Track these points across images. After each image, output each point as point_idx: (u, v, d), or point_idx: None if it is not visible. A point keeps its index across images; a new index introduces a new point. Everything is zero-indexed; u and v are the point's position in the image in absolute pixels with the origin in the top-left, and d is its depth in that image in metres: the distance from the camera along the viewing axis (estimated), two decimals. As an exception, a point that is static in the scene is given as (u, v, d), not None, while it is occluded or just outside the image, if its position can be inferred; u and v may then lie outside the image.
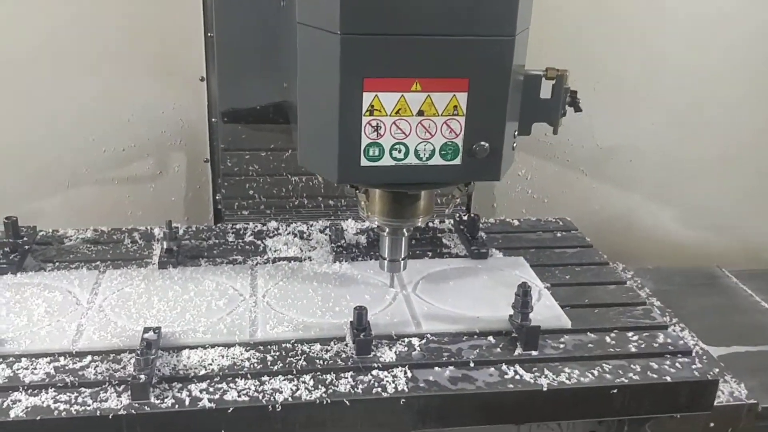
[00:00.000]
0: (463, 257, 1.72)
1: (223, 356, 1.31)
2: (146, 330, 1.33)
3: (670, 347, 1.40)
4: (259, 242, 1.76)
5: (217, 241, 1.76)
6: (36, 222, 1.74)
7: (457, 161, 1.31)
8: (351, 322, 1.37)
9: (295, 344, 1.36)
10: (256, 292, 1.52)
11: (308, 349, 1.35)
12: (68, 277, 1.54)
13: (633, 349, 1.39)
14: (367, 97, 1.24)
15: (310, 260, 1.67)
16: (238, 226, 1.84)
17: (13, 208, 1.68)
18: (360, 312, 1.35)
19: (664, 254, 2.21)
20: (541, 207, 2.08)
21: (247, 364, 1.30)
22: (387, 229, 1.45)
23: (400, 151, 1.28)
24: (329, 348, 1.36)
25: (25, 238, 1.64)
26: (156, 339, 1.31)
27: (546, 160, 2.10)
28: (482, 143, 1.29)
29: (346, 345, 1.36)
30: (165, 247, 1.63)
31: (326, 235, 1.79)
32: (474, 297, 1.53)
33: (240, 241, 1.77)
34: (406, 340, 1.39)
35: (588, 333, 1.44)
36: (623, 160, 2.13)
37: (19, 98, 1.84)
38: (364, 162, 1.28)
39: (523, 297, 1.39)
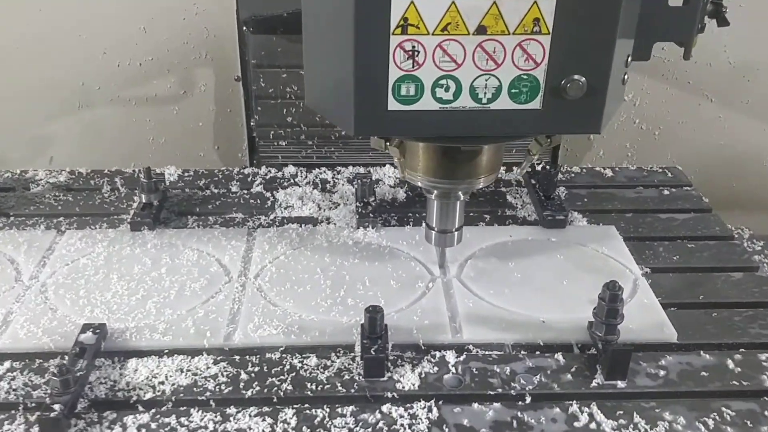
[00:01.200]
0: (532, 224, 1.29)
1: (182, 370, 0.96)
2: (85, 328, 0.99)
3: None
4: (268, 194, 1.38)
5: (215, 191, 1.39)
6: (49, 147, 1.42)
7: (536, 104, 0.88)
8: (362, 325, 0.99)
9: (284, 355, 0.99)
10: (248, 270, 1.15)
11: (300, 364, 0.97)
12: (15, 240, 1.21)
13: (769, 383, 0.96)
14: (398, 5, 0.82)
15: (328, 223, 1.28)
16: (246, 171, 1.46)
17: (20, 131, 1.37)
18: (373, 316, 0.97)
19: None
20: (650, 142, 1.59)
21: (211, 384, 0.94)
22: (435, 192, 1.05)
23: (448, 89, 0.86)
24: (330, 362, 0.98)
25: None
26: (94, 343, 0.97)
27: (661, 81, 1.59)
28: (576, 77, 0.85)
29: (354, 359, 0.99)
30: (142, 201, 1.28)
31: (354, 186, 1.38)
32: (542, 287, 1.11)
33: (244, 191, 1.39)
34: (439, 353, 1.00)
35: (701, 352, 1.01)
36: (763, 82, 1.59)
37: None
38: (393, 105, 0.86)
39: (610, 303, 0.97)
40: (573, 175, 1.46)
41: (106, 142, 1.53)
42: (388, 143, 0.99)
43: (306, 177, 1.43)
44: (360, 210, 1.28)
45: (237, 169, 1.47)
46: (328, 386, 0.94)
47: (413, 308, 1.07)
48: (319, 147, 1.51)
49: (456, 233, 1.09)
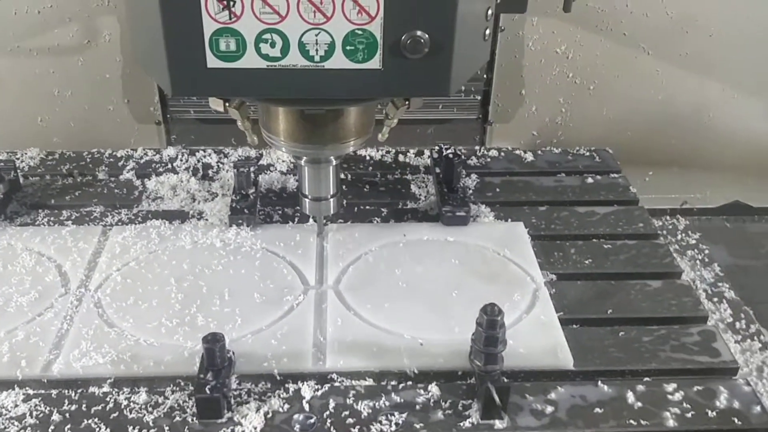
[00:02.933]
0: (432, 220, 1.14)
1: (-18, 410, 0.81)
2: None
3: (744, 415, 0.83)
4: (138, 182, 1.22)
5: (78, 179, 1.22)
6: None
7: (375, 63, 0.75)
8: (202, 356, 0.84)
9: (112, 389, 0.85)
10: (90, 280, 0.99)
11: (126, 401, 0.82)
12: None
13: (671, 421, 0.82)
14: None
15: (198, 218, 1.13)
16: (119, 154, 1.29)
17: None
18: (211, 347, 0.82)
19: (750, 166, 1.55)
20: (584, 96, 1.42)
21: (14, 428, 0.79)
22: (304, 158, 0.95)
23: (274, 45, 0.73)
24: (162, 399, 0.83)
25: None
26: None
27: (595, 32, 1.42)
28: (418, 33, 0.73)
29: (191, 395, 0.84)
30: (-14, 193, 1.11)
31: (234, 170, 1.22)
32: (428, 300, 0.97)
33: (111, 179, 1.23)
34: (295, 386, 0.85)
35: (599, 382, 0.87)
36: (701, 35, 1.43)
37: None
38: (213, 62, 0.74)
39: (488, 329, 0.82)
40: (489, 159, 1.30)
41: (7, 95, 1.37)
42: (227, 104, 0.87)
43: (187, 161, 1.27)
44: (234, 204, 1.12)
45: (109, 151, 1.30)
46: (153, 430, 0.80)
47: (275, 328, 0.92)
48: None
49: (332, 200, 0.99)
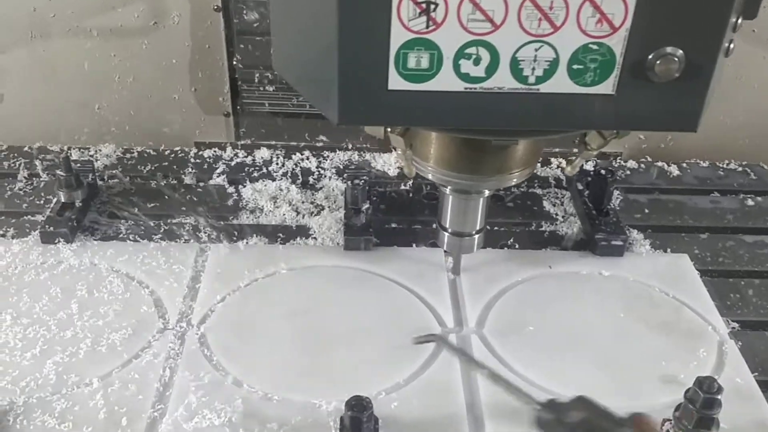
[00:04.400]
0: (577, 246, 0.97)
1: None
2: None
3: None
4: (231, 189, 1.06)
5: (162, 182, 1.07)
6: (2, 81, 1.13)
7: (608, 87, 0.58)
8: (341, 423, 0.69)
9: (227, 459, 0.70)
10: (191, 312, 0.84)
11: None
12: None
13: None
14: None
15: (306, 237, 0.97)
16: (206, 154, 1.14)
17: None
18: (357, 416, 0.66)
19: None
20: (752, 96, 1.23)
21: None
22: (450, 187, 0.78)
23: (478, 62, 0.56)
24: (292, 473, 0.69)
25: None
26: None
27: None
28: (670, 50, 0.56)
29: (327, 470, 0.69)
30: (61, 199, 0.96)
31: (346, 182, 1.06)
32: (593, 353, 0.81)
33: (200, 183, 1.07)
34: (449, 462, 0.70)
35: (823, 469, 0.71)
36: None
37: None
38: (396, 82, 0.57)
39: (703, 408, 0.66)
40: (628, 172, 1.13)
41: (64, 78, 1.21)
42: (389, 130, 0.70)
43: (283, 165, 1.11)
44: (347, 222, 0.96)
45: (194, 151, 1.14)
46: None
47: (416, 384, 0.76)
48: None
49: (477, 237, 0.83)
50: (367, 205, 0.97)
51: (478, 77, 0.56)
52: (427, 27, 0.54)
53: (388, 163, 1.11)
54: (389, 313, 0.85)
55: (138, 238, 0.94)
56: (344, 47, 0.55)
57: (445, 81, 0.57)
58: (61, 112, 1.16)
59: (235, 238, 0.95)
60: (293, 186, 1.06)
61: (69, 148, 1.12)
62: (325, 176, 1.08)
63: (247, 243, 0.94)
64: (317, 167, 1.10)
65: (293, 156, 1.13)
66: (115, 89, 1.19)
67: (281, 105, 1.17)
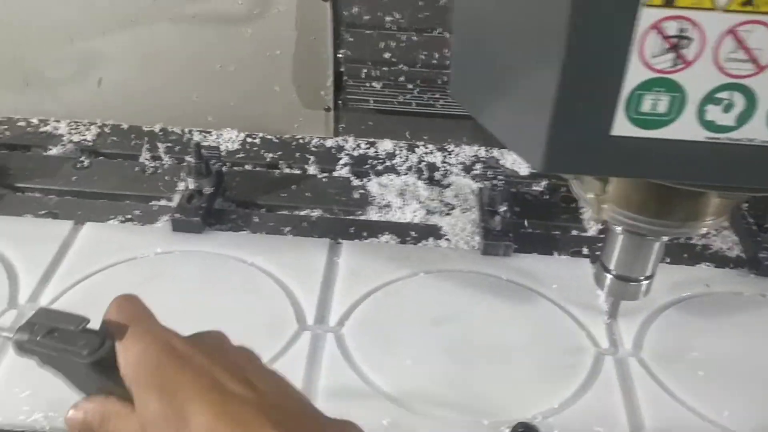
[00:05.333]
0: (735, 265, 0.90)
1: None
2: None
3: None
4: (356, 181, 1.02)
5: (287, 171, 1.04)
6: (99, 66, 1.12)
7: None
8: (501, 446, 0.64)
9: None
10: (327, 313, 0.81)
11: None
12: (15, 234, 0.88)
13: None
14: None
15: (437, 238, 0.92)
16: (328, 143, 1.10)
17: (67, 45, 1.07)
18: (524, 442, 0.62)
19: None
20: None
21: None
22: (620, 228, 0.68)
23: (729, 108, 0.48)
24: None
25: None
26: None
27: None
28: None
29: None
30: (189, 187, 0.94)
31: (475, 181, 1.01)
32: (763, 384, 0.75)
33: (325, 175, 1.04)
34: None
35: None
36: None
37: None
38: (622, 127, 0.49)
39: None
40: None
41: (164, 65, 1.19)
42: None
43: (407, 159, 1.06)
44: (485, 225, 0.91)
45: (316, 139, 1.10)
46: None
47: (574, 409, 0.72)
48: (422, 93, 1.13)
49: (645, 283, 0.72)
50: (504, 208, 0.92)
51: (725, 126, 0.48)
52: (674, 66, 0.46)
53: (518, 161, 1.05)
54: (536, 328, 0.80)
55: (268, 231, 0.92)
56: (565, 83, 0.47)
57: (684, 129, 0.48)
58: (159, 97, 1.13)
59: (365, 235, 0.92)
60: (420, 182, 1.01)
61: (190, 131, 1.10)
62: (452, 172, 1.04)
63: (378, 241, 0.91)
64: (443, 162, 1.06)
65: (416, 149, 1.08)
66: (215, 78, 1.16)
67: (387, 102, 1.13)
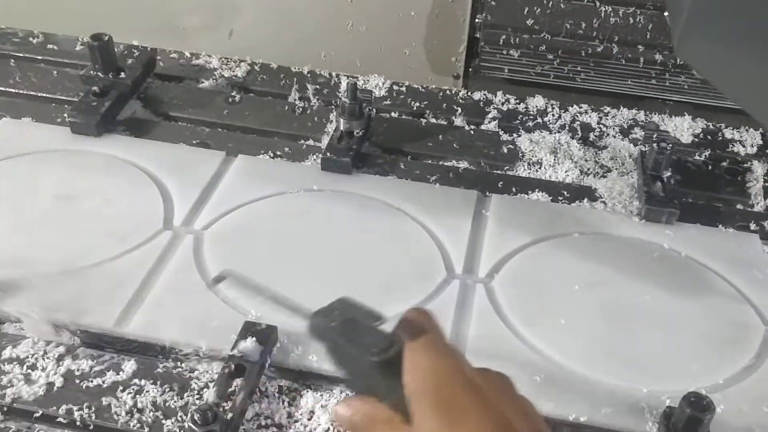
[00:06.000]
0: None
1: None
2: (246, 330, 0.67)
3: None
4: (505, 137, 0.99)
5: (433, 120, 1.02)
6: (231, 18, 1.12)
7: None
8: (668, 415, 0.61)
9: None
10: (477, 265, 0.79)
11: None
12: (174, 161, 0.90)
13: None
14: None
15: (593, 200, 0.88)
16: (476, 97, 1.07)
17: None
18: (695, 415, 0.58)
19: None
20: None
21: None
22: None
23: None
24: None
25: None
26: (258, 359, 0.65)
27: None
28: None
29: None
30: (341, 128, 0.93)
31: (636, 143, 0.96)
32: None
33: (472, 127, 1.01)
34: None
35: None
36: None
37: None
38: None
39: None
40: None
41: (294, 22, 1.19)
42: None
43: (560, 117, 1.02)
44: (647, 190, 0.86)
45: (463, 92, 1.07)
46: None
47: (741, 386, 0.67)
48: (562, 65, 1.08)
49: None
50: (669, 173, 0.86)
51: None
52: None
53: (680, 127, 0.99)
54: (699, 300, 0.75)
55: (414, 178, 0.90)
56: None
57: None
58: (288, 56, 1.12)
59: (514, 190, 0.89)
60: (573, 141, 0.97)
61: (338, 75, 1.09)
62: (608, 134, 0.98)
63: (528, 197, 0.88)
64: (598, 123, 1.01)
65: (569, 108, 1.03)
66: (346, 37, 1.14)
67: (522, 72, 1.08)
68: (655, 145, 0.85)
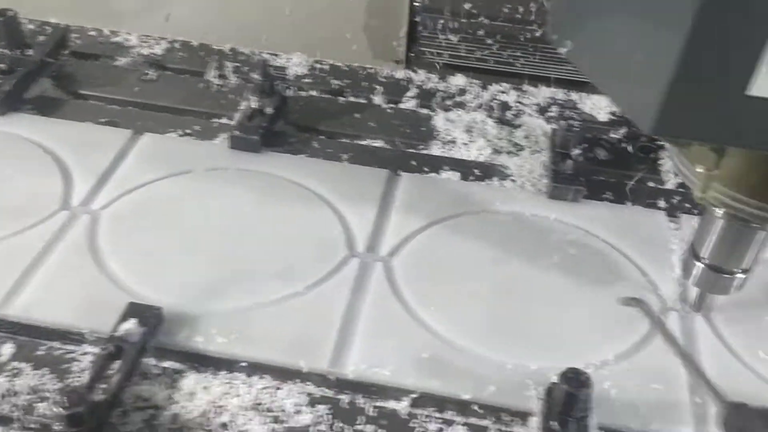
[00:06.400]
0: None
1: (257, 407, 0.63)
2: (130, 312, 0.66)
3: None
4: (424, 113, 0.98)
5: (353, 99, 1.00)
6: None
7: None
8: (550, 391, 0.61)
9: (414, 410, 0.64)
10: (379, 242, 0.78)
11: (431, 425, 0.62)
12: (76, 138, 0.88)
13: None
14: None
15: (502, 178, 0.87)
16: (398, 75, 1.06)
17: None
18: (573, 392, 0.58)
19: None
20: None
21: (297, 446, 0.60)
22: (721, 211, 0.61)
23: None
24: (486, 438, 0.62)
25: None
26: (138, 340, 0.64)
27: None
28: None
29: (524, 443, 0.61)
30: (251, 106, 0.91)
31: (550, 122, 0.95)
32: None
33: (390, 105, 1.00)
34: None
35: None
36: None
37: None
38: (762, 86, 0.42)
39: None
40: None
41: (233, 6, 1.16)
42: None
43: (478, 96, 1.01)
44: (554, 167, 0.85)
45: (386, 70, 1.06)
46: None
47: (630, 363, 0.67)
48: (501, 50, 1.07)
49: (739, 277, 0.65)
50: (578, 151, 0.86)
51: None
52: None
53: (597, 106, 0.98)
54: (599, 279, 0.74)
55: (326, 157, 0.89)
56: (699, 26, 0.40)
57: None
58: (227, 41, 1.09)
59: (426, 169, 0.88)
60: (489, 120, 0.96)
61: (260, 53, 1.07)
62: (525, 113, 0.98)
63: (439, 176, 0.87)
64: (516, 101, 1.00)
65: (490, 87, 1.03)
66: (286, 22, 1.11)
67: (462, 57, 1.06)
68: (563, 122, 0.85)
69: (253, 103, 0.90)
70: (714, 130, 0.45)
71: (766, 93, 0.41)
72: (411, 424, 0.62)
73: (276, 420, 0.61)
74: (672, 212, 0.83)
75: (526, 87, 1.03)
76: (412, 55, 1.09)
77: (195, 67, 1.04)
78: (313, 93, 1.00)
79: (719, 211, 0.61)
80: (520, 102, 1.00)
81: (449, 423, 0.62)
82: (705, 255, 0.64)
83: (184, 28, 1.10)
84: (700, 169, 0.56)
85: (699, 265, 0.65)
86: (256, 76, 0.89)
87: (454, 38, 1.05)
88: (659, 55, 0.43)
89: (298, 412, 0.62)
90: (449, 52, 1.07)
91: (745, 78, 0.41)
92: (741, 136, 0.45)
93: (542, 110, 0.98)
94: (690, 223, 0.79)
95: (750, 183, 0.56)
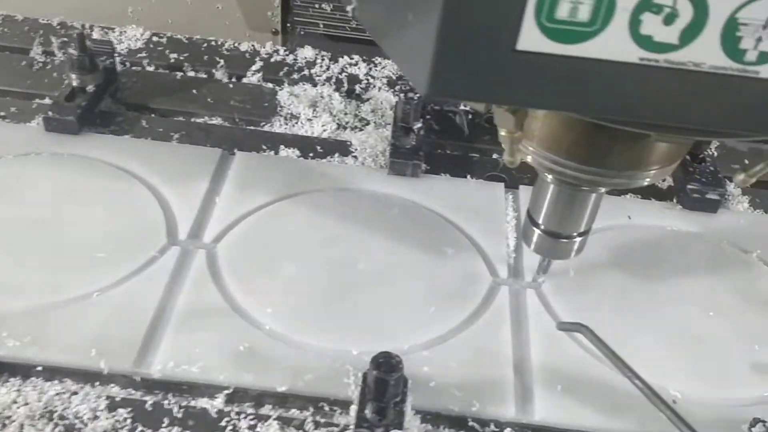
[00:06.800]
0: (664, 198, 0.82)
1: (50, 416, 0.57)
2: None
3: None
4: (268, 88, 0.93)
5: (191, 74, 0.94)
6: None
7: None
8: (365, 377, 0.58)
9: (227, 407, 0.59)
10: (204, 229, 0.73)
11: (242, 424, 0.58)
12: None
13: None
14: None
15: (345, 154, 0.84)
16: (243, 47, 1.00)
17: None
18: (383, 378, 0.55)
19: None
20: None
21: (93, 454, 0.55)
22: (550, 176, 0.58)
23: (671, 20, 0.37)
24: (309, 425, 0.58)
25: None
26: None
27: None
28: None
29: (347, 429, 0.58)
30: (72, 83, 0.84)
31: (394, 93, 0.92)
32: (677, 328, 0.68)
33: (232, 80, 0.94)
34: (488, 438, 0.59)
35: None
36: None
37: None
38: (530, 41, 0.38)
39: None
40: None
41: None
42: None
43: (328, 68, 0.97)
44: (395, 142, 0.82)
45: (229, 42, 1.00)
46: (288, 487, 0.54)
47: (456, 341, 0.64)
48: None
49: (578, 240, 0.63)
50: (419, 125, 0.83)
51: (665, 44, 0.37)
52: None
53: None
54: (434, 254, 0.72)
55: (155, 137, 0.83)
56: None
57: (611, 45, 0.37)
58: (91, 13, 1.01)
59: (265, 148, 0.83)
60: (336, 94, 0.92)
61: (91, 27, 0.99)
62: (375, 86, 0.94)
63: (276, 154, 0.82)
64: (366, 75, 0.96)
65: (340, 59, 0.98)
66: None
67: (337, 27, 1.02)
68: (402, 95, 0.82)
69: (74, 81, 0.83)
70: (487, 89, 0.41)
71: (533, 47, 0.39)
72: (222, 423, 0.58)
73: (70, 428, 0.56)
74: (512, 184, 0.82)
75: (378, 59, 0.99)
76: (289, 26, 1.04)
77: (18, 43, 0.95)
78: (149, 68, 0.94)
79: (548, 176, 0.59)
80: (370, 75, 0.96)
81: (264, 418, 0.58)
82: (541, 221, 0.62)
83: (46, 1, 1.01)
84: (503, 132, 0.54)
85: (537, 232, 0.63)
86: (72, 51, 0.82)
87: (327, 7, 1.01)
88: (425, 11, 0.40)
89: (95, 417, 0.57)
90: (323, 22, 1.02)
91: (512, 32, 0.38)
92: (514, 95, 0.42)
93: (392, 83, 0.95)
94: (528, 194, 0.78)
95: (563, 145, 0.54)
